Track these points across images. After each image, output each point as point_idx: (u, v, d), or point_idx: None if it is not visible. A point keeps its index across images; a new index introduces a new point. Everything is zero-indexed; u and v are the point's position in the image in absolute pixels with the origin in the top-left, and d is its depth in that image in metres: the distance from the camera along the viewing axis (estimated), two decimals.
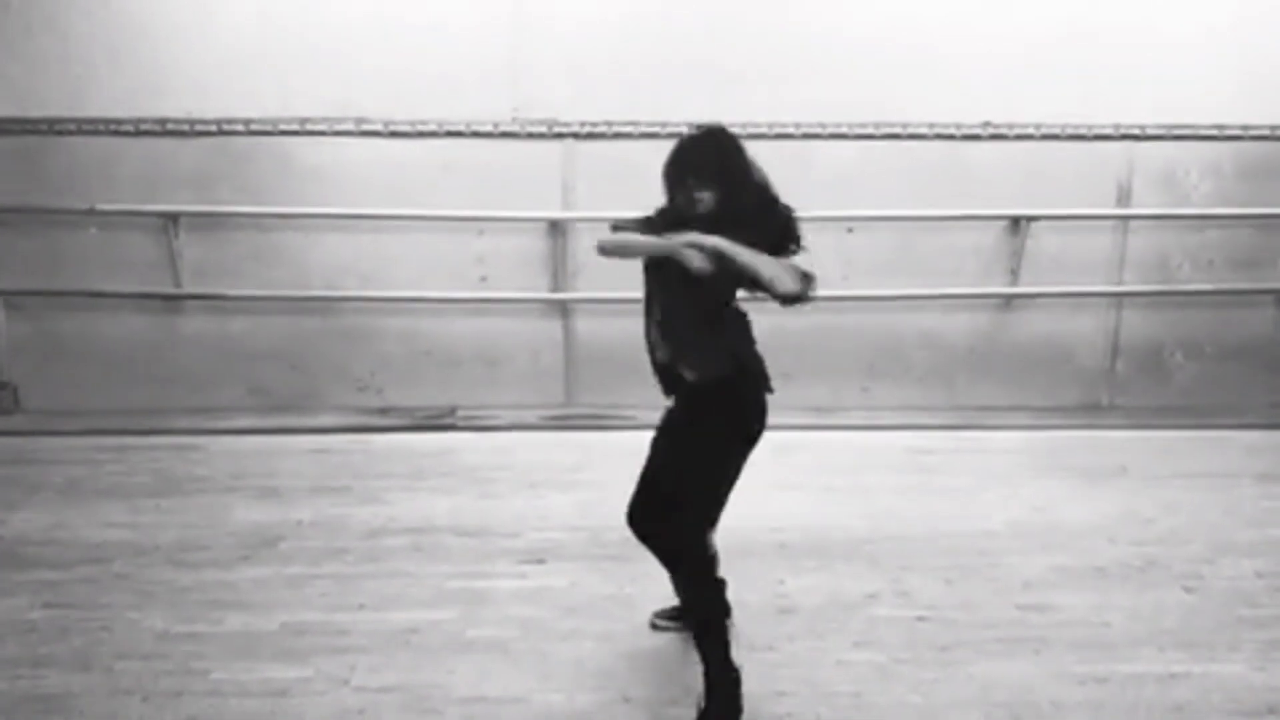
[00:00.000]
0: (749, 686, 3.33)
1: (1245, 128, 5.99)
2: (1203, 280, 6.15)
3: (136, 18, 5.68)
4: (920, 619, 3.84)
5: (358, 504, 4.90)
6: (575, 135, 5.82)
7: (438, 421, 6.01)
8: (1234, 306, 6.19)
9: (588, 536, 4.55)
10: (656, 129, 5.82)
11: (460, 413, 6.06)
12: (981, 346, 6.19)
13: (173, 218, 5.79)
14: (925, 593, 4.04)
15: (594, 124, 5.81)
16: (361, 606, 3.88)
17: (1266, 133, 5.97)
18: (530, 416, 6.04)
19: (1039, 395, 6.19)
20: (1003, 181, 5.94)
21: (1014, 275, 6.08)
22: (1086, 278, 6.11)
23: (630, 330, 6.15)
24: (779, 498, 5.02)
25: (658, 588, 4.04)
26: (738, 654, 3.24)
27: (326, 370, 6.05)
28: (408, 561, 4.28)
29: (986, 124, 5.91)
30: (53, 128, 5.71)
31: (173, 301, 5.93)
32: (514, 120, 5.81)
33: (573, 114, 5.81)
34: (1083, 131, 5.94)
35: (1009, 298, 6.14)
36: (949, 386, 6.21)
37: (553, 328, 6.07)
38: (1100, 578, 4.19)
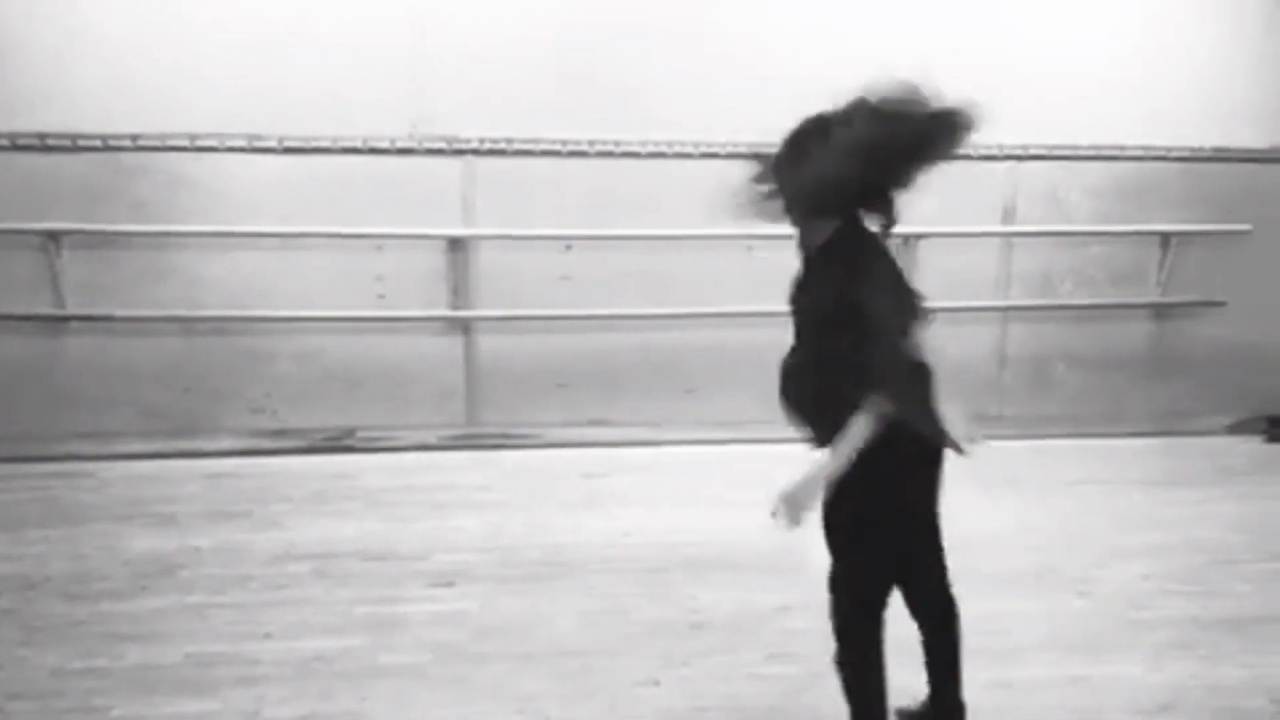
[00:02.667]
0: (666, 703, 3.36)
1: (1120, 148, 6.26)
2: (1084, 295, 6.40)
3: (11, 30, 5.46)
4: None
5: (258, 530, 4.78)
6: (475, 152, 5.79)
7: (337, 443, 5.90)
8: (1113, 320, 6.46)
9: (497, 558, 4.52)
10: (558, 146, 5.82)
11: (360, 434, 5.96)
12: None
13: (54, 236, 5.57)
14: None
15: (494, 140, 5.79)
16: (268, 635, 3.79)
17: (1139, 153, 6.25)
18: (432, 437, 5.97)
19: None
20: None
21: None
22: (975, 293, 6.30)
23: (534, 347, 6.19)
24: (689, 513, 5.07)
25: (571, 606, 4.05)
26: (654, 670, 3.26)
27: (221, 392, 5.88)
28: (313, 588, 4.20)
29: None
30: None
31: (57, 323, 5.70)
32: (412, 137, 5.75)
33: (473, 130, 5.77)
34: (969, 151, 6.13)
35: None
36: None
37: (454, 345, 6.01)
38: (997, 585, 4.32)
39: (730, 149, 5.95)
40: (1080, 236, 6.34)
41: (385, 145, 5.74)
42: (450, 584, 4.25)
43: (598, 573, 4.35)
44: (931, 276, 6.23)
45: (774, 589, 4.21)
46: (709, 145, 5.95)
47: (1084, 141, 6.23)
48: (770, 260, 6.09)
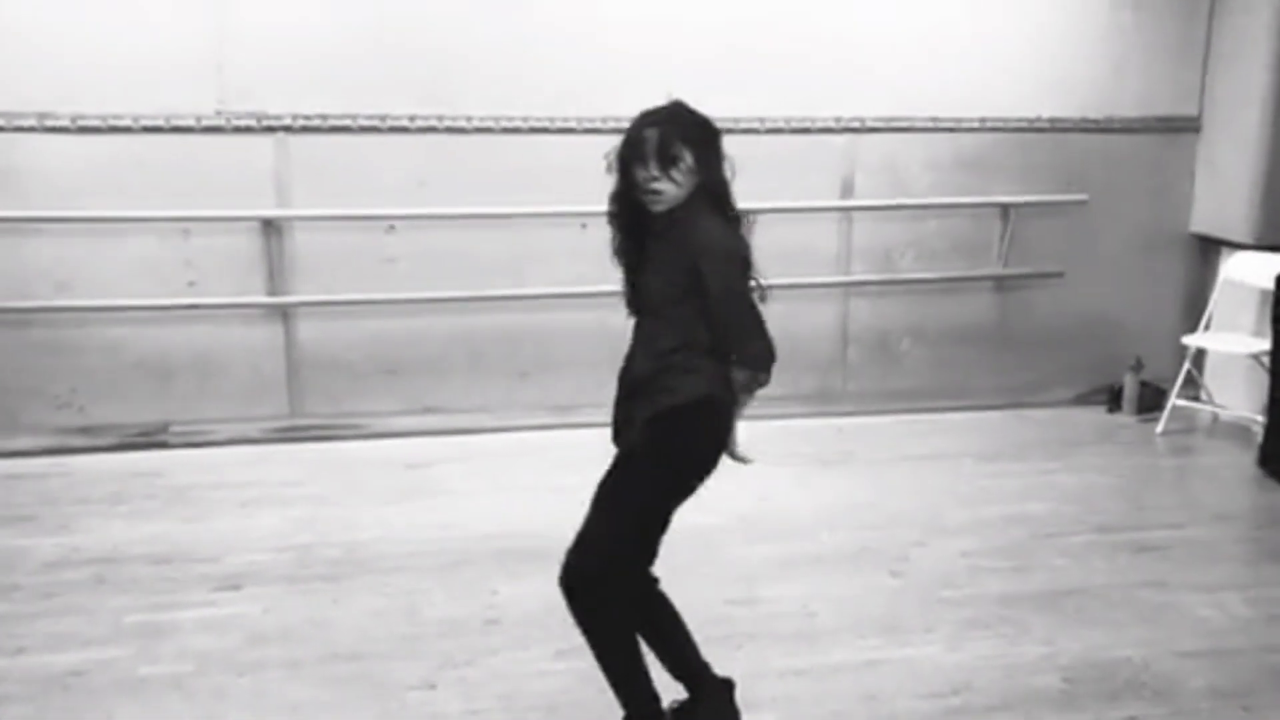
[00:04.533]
0: (439, 707, 3.18)
1: (958, 120, 6.20)
2: (926, 268, 6.34)
3: None
4: None
5: (42, 534, 4.47)
6: (288, 129, 5.49)
7: (148, 439, 5.58)
8: (956, 293, 6.41)
9: (294, 557, 4.28)
10: (376, 122, 5.55)
11: (174, 429, 5.64)
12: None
13: None
14: None
15: (308, 117, 5.50)
16: (21, 650, 3.51)
17: (976, 125, 6.20)
18: (252, 430, 5.68)
19: (774, 385, 6.21)
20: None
21: None
22: (815, 269, 6.20)
23: (359, 334, 5.93)
24: (503, 501, 4.88)
25: (361, 605, 3.84)
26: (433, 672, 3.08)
27: (20, 388, 5.50)
28: (87, 596, 3.92)
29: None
30: None
31: None
32: (219, 114, 5.43)
33: (284, 107, 5.47)
34: (807, 125, 6.03)
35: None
36: None
37: (273, 333, 5.71)
38: (814, 566, 4.23)
39: (559, 124, 5.76)
40: (920, 209, 6.27)
41: (190, 123, 5.41)
42: (237, 587, 4.00)
43: (397, 570, 4.14)
44: (771, 253, 6.10)
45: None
46: (538, 120, 5.75)
47: (922, 114, 6.15)
48: (602, 238, 5.94)
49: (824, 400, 6.29)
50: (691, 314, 2.73)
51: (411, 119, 5.62)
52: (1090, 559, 4.33)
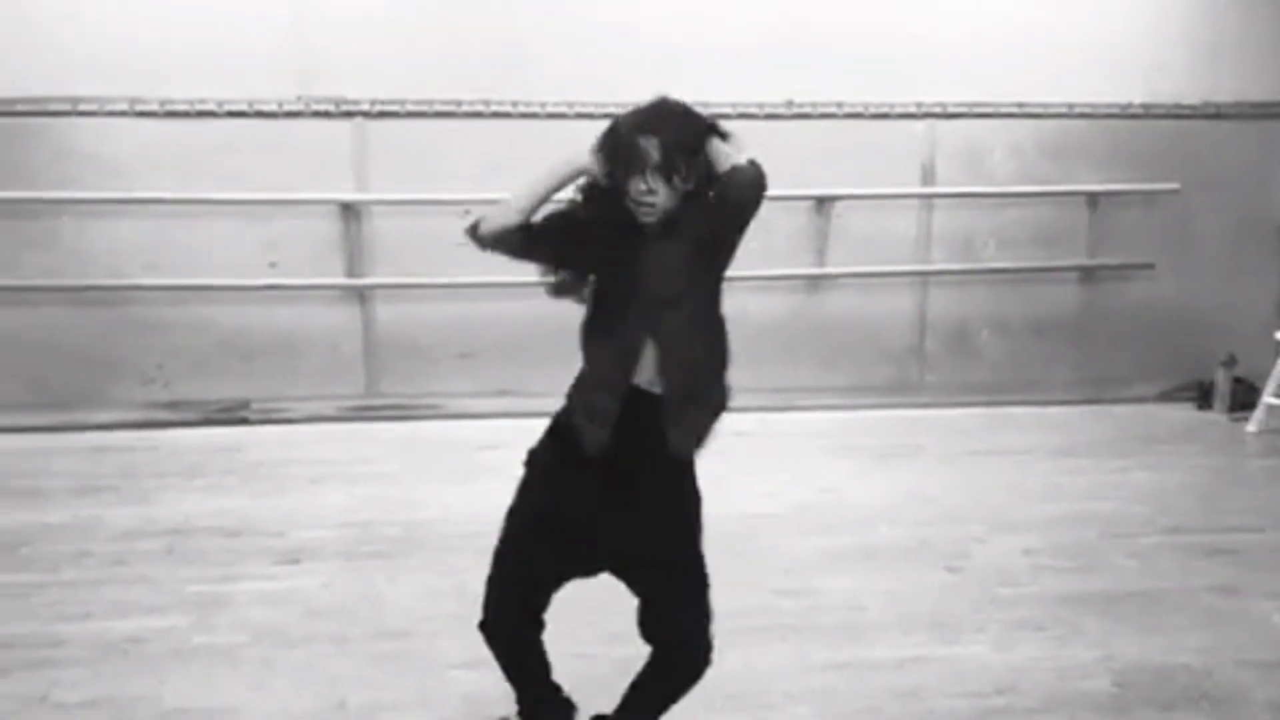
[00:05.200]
0: (476, 688, 3.22)
1: (1044, 106, 6.03)
2: (1008, 258, 6.18)
3: None
4: None
5: (120, 505, 4.65)
6: (365, 114, 5.61)
7: (230, 415, 5.77)
8: (1038, 283, 6.25)
9: (355, 533, 4.37)
10: (451, 107, 5.64)
11: (255, 406, 5.82)
12: (790, 327, 6.14)
13: None
14: None
15: (385, 102, 5.61)
16: (87, 615, 3.66)
17: (1063, 110, 6.02)
18: (328, 408, 5.83)
19: (848, 375, 6.18)
20: (807, 161, 5.88)
21: (820, 255, 6.04)
22: (893, 257, 6.10)
23: (435, 316, 6.03)
24: None
25: (414, 584, 3.91)
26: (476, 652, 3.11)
27: (110, 363, 5.74)
28: (155, 565, 4.06)
29: (790, 103, 5.85)
30: None
31: None
32: (299, 99, 5.57)
33: (363, 92, 5.59)
34: (885, 110, 5.92)
35: (816, 278, 6.10)
36: (757, 368, 6.09)
37: (351, 314, 5.85)
38: (869, 560, 4.17)
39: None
40: (1002, 197, 6.12)
41: (272, 108, 5.56)
42: (297, 561, 4.11)
43: (453, 550, 4.20)
44: (848, 240, 6.05)
45: None
46: (614, 105, 5.73)
47: (1005, 99, 6.00)
48: None
49: (898, 391, 6.20)
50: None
51: (486, 104, 5.69)
52: (1158, 561, 4.18)
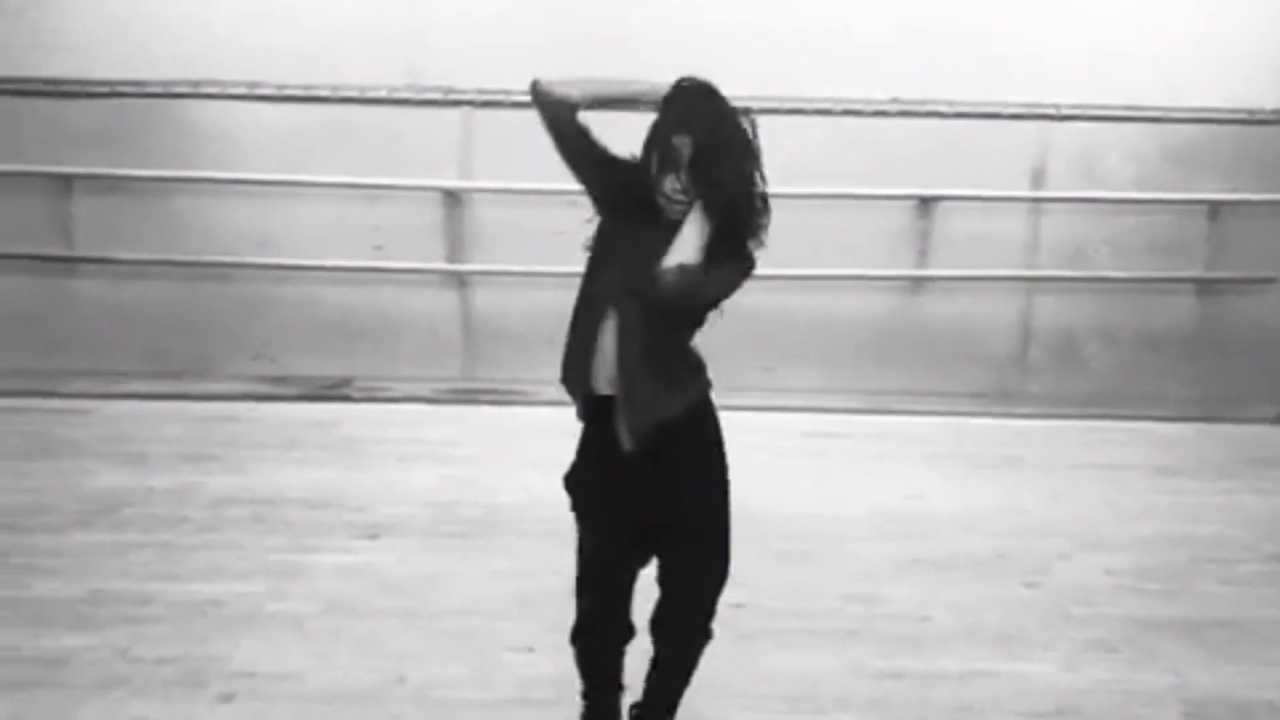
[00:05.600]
0: (531, 671, 3.27)
1: (1166, 110, 5.79)
2: (1121, 266, 5.97)
3: None
4: (737, 605, 3.68)
5: (219, 473, 4.85)
6: (472, 103, 5.72)
7: (331, 392, 5.95)
8: (1153, 294, 6.02)
9: (435, 513, 4.48)
10: None
11: (356, 384, 6.00)
12: (889, 329, 6.05)
13: (66, 179, 5.75)
14: (752, 577, 3.90)
15: (492, 92, 5.70)
16: (175, 577, 3.83)
17: (1186, 115, 5.77)
18: (425, 389, 5.97)
19: (948, 380, 6.05)
20: (911, 160, 5.78)
21: (922, 256, 5.93)
22: (998, 261, 5.94)
23: (531, 304, 6.11)
24: None
25: (485, 565, 3.98)
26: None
27: (223, 337, 6.00)
28: (243, 533, 4.23)
29: (895, 100, 5.75)
30: None
31: (67, 264, 5.90)
32: (409, 86, 5.71)
33: (470, 81, 5.70)
34: (996, 110, 5.77)
35: (917, 280, 5.99)
36: (855, 370, 6.07)
37: (451, 299, 5.98)
38: (943, 570, 4.08)
39: (734, 103, 5.73)
40: (1117, 204, 5.91)
41: (382, 95, 5.72)
42: (376, 536, 4.23)
43: (528, 534, 4.27)
44: (951, 242, 5.93)
45: None
46: None
47: (1123, 101, 5.78)
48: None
49: (998, 400, 6.05)
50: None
51: None
52: (1254, 589, 4.00)
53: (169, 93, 5.68)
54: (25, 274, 5.93)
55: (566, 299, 5.96)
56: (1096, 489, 5.00)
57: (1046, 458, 5.38)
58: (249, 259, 5.86)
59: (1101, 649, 3.50)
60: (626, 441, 2.47)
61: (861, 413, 5.81)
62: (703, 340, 6.12)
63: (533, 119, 5.62)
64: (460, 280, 5.95)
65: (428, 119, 5.74)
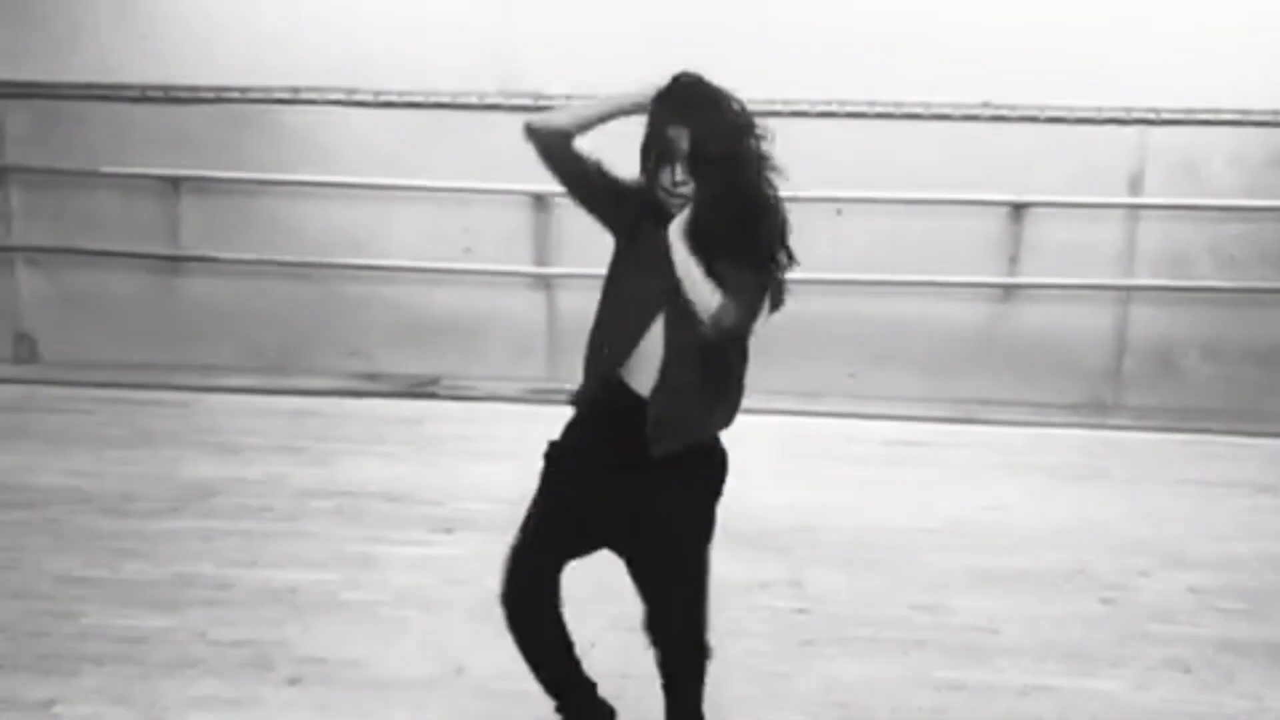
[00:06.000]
0: (591, 666, 3.30)
1: (1276, 113, 5.57)
2: (1223, 276, 5.76)
3: None
4: (800, 611, 3.73)
5: (306, 465, 5.01)
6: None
7: (420, 389, 6.09)
8: (1258, 305, 5.79)
9: (510, 509, 4.43)
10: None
11: (445, 382, 6.13)
12: (978, 337, 5.94)
13: (174, 182, 6.01)
14: (820, 585, 3.92)
15: (581, 97, 5.76)
16: (255, 563, 3.98)
17: None
18: (510, 389, 6.07)
19: (1038, 390, 5.91)
20: (1002, 165, 5.68)
21: (1013, 264, 5.81)
22: (1092, 269, 5.79)
23: None
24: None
25: None
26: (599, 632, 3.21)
27: (319, 334, 6.19)
28: (323, 523, 4.37)
29: (986, 104, 5.65)
30: (70, 93, 5.98)
31: (174, 263, 6.16)
32: (499, 93, 5.82)
33: (558, 87, 5.77)
34: (1091, 115, 5.62)
35: (1008, 287, 5.87)
36: (942, 377, 5.98)
37: (537, 302, 6.08)
38: (1017, 582, 3.99)
39: (821, 108, 5.71)
40: (1221, 211, 5.70)
41: (473, 100, 5.83)
42: (450, 530, 4.32)
43: None
44: (1044, 249, 5.80)
45: (765, 564, 4.05)
46: (807, 104, 5.73)
47: (1229, 105, 5.58)
48: (853, 224, 5.86)
49: (1090, 411, 5.89)
50: None
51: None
52: None
53: (270, 98, 5.90)
54: (136, 271, 6.22)
55: None
56: (1189, 505, 4.84)
57: (1137, 472, 5.22)
58: (345, 260, 6.04)
59: (1176, 669, 3.39)
60: (656, 449, 2.41)
61: (945, 421, 5.72)
62: (788, 344, 6.13)
63: (616, 124, 5.67)
64: (546, 283, 6.04)
65: (518, 125, 5.81)
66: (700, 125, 2.34)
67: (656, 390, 2.41)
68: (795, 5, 5.68)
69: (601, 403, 2.51)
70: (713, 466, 2.57)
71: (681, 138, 2.33)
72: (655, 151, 2.38)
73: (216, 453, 5.14)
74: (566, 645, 2.78)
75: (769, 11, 5.72)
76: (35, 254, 6.26)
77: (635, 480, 2.45)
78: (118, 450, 5.14)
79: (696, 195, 2.33)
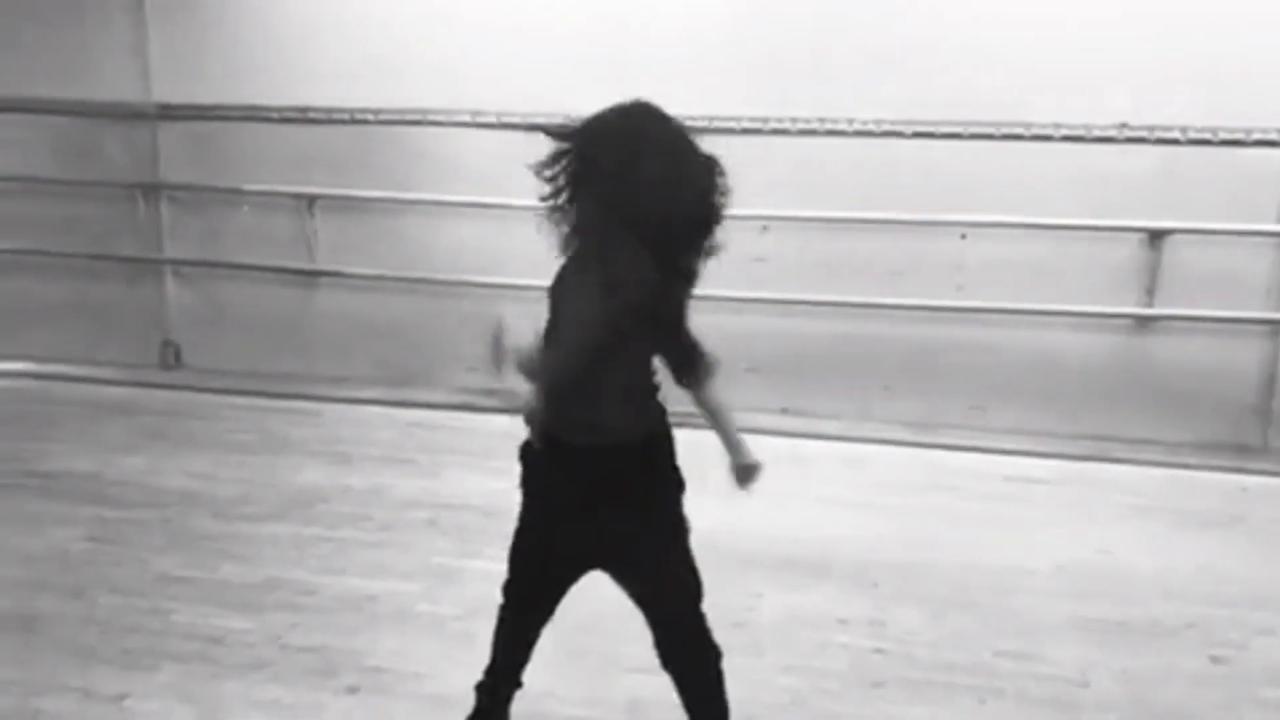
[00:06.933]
0: (642, 692, 3.26)
1: None
2: None
3: (288, 13, 6.18)
4: (877, 650, 3.59)
5: (412, 476, 5.12)
6: None
7: None
8: None
9: None
10: (759, 125, 5.68)
11: None
12: (1110, 371, 5.61)
13: (309, 199, 6.26)
14: (903, 624, 3.76)
15: (695, 118, 5.72)
16: (342, 571, 4.09)
17: None
18: None
19: (1173, 430, 5.53)
20: (1139, 190, 5.36)
21: (1149, 294, 5.48)
22: (1239, 301, 5.40)
23: (726, 328, 6.07)
24: (818, 511, 4.81)
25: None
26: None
27: (442, 349, 6.31)
28: (417, 535, 4.45)
29: (1123, 126, 5.35)
30: (217, 114, 6.31)
31: (308, 277, 6.41)
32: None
33: (678, 109, 5.74)
34: (1239, 136, 5.25)
35: (1143, 319, 5.54)
36: (1071, 413, 5.67)
37: None
38: (1117, 633, 3.75)
39: (946, 129, 5.52)
40: None
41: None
42: None
43: None
44: (1184, 279, 5.45)
45: (850, 600, 3.92)
46: (922, 124, 5.55)
47: None
48: (978, 249, 5.63)
49: (1230, 454, 5.48)
50: None
51: (793, 121, 5.68)
52: None
53: (401, 120, 6.07)
54: (273, 284, 6.49)
55: (767, 324, 5.98)
56: None
57: (1276, 521, 4.84)
58: (469, 277, 6.15)
59: None
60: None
61: (1070, 458, 5.42)
62: (912, 377, 5.98)
63: (733, 145, 5.61)
64: None
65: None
66: (581, 139, 2.65)
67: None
68: (919, 22, 5.50)
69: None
70: (661, 467, 2.73)
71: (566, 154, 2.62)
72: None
73: (329, 461, 5.30)
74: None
75: (893, 27, 5.58)
76: (182, 266, 6.61)
77: (597, 518, 2.59)
78: (239, 455, 5.37)
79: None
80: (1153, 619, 3.85)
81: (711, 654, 2.74)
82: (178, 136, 6.43)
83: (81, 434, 5.63)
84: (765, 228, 5.81)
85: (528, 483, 2.70)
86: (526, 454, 2.67)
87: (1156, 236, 5.41)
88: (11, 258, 6.67)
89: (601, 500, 2.55)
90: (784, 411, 5.93)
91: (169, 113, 6.39)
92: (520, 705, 3.16)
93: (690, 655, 2.74)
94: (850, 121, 5.63)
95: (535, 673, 3.32)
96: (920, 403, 5.82)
